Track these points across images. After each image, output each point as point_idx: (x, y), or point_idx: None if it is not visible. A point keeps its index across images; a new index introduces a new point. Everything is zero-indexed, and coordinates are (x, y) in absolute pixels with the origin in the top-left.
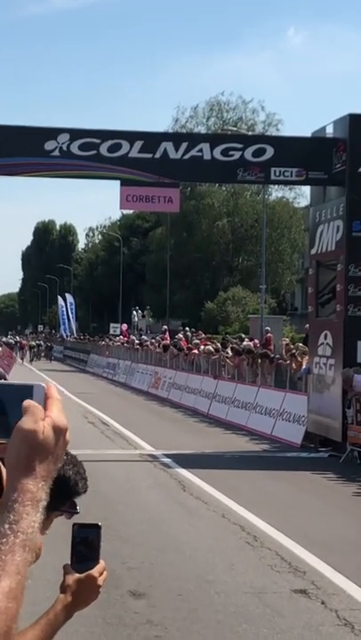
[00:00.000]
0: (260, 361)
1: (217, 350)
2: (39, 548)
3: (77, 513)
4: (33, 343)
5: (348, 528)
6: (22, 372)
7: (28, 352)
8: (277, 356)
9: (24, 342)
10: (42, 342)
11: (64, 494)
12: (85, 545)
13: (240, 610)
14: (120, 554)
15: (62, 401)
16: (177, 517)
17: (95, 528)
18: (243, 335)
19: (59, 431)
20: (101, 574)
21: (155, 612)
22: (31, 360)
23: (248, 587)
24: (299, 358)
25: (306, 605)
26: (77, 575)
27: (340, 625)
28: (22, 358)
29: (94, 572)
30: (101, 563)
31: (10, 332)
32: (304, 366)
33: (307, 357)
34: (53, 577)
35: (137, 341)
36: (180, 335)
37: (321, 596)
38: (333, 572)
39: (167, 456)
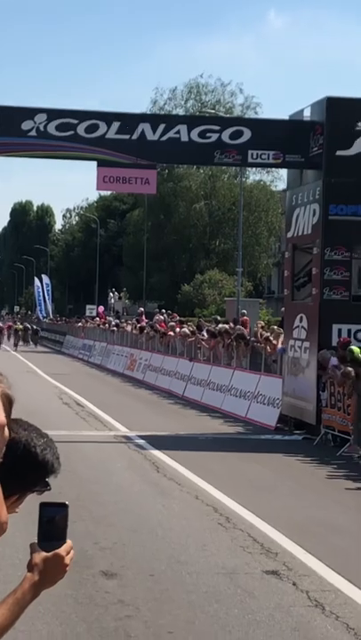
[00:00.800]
0: (235, 343)
1: (193, 333)
2: (5, 522)
3: (49, 489)
4: (20, 326)
5: (321, 510)
6: None
7: (12, 336)
8: (252, 338)
9: (1, 325)
10: (29, 325)
11: (42, 476)
12: (52, 524)
13: (211, 590)
14: (92, 534)
15: (0, 396)
16: (150, 498)
17: (62, 507)
18: (218, 318)
19: None
20: (68, 553)
21: (126, 592)
22: (16, 344)
23: (220, 567)
24: (274, 341)
25: (277, 586)
26: (44, 554)
27: (311, 606)
28: None
29: (61, 550)
30: (68, 542)
31: None
32: (279, 346)
33: (282, 338)
34: (25, 557)
35: (113, 323)
36: (160, 317)
37: (292, 577)
38: (305, 554)
39: (141, 437)
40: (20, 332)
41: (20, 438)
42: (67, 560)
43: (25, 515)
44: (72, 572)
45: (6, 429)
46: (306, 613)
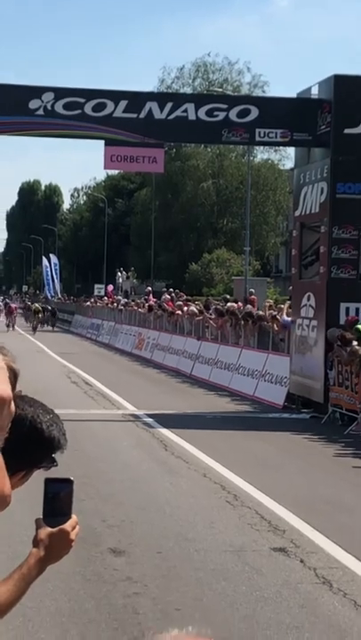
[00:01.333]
0: (242, 322)
1: (201, 312)
2: (8, 495)
3: (56, 465)
4: (38, 307)
5: (329, 488)
6: (8, 337)
7: (28, 318)
8: (260, 312)
9: (13, 306)
10: (48, 307)
11: (48, 452)
12: (57, 499)
13: (219, 567)
14: (100, 512)
15: (5, 369)
16: (158, 476)
17: (67, 483)
18: (227, 296)
19: (1, 402)
20: (74, 528)
21: (134, 570)
22: (34, 328)
23: (227, 545)
24: (280, 318)
25: (285, 563)
26: (50, 529)
27: (319, 583)
28: (10, 325)
29: (67, 526)
30: (74, 517)
31: None
32: (285, 317)
33: (287, 306)
34: (32, 534)
35: (122, 302)
36: (167, 296)
37: (300, 554)
38: (313, 531)
39: (149, 416)
40: (38, 315)
41: (26, 414)
42: (72, 535)
43: (34, 492)
44: (80, 549)
45: (12, 404)
46: (313, 590)
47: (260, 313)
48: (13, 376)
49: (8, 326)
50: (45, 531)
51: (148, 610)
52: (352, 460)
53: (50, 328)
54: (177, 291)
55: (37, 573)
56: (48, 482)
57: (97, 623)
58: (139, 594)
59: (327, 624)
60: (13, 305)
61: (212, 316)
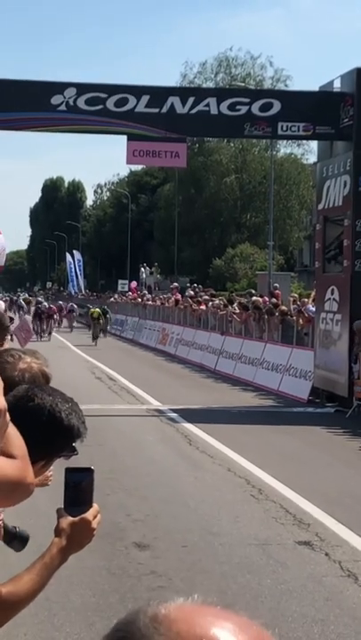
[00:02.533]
0: (266, 317)
1: (225, 306)
2: (31, 483)
3: (77, 454)
4: (98, 310)
5: (353, 481)
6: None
7: (59, 322)
8: (283, 307)
9: (54, 308)
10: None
11: (68, 441)
12: (79, 489)
13: (244, 561)
14: (125, 506)
15: (2, 380)
16: (182, 471)
17: (88, 472)
18: (252, 291)
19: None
20: (95, 517)
21: (159, 564)
22: (95, 337)
23: (252, 538)
24: (305, 313)
25: (310, 557)
26: (71, 518)
27: (344, 576)
28: (44, 332)
29: (88, 515)
30: (95, 506)
31: (19, 290)
32: (309, 306)
33: (313, 295)
34: (55, 524)
35: (147, 297)
36: (191, 292)
37: (325, 547)
38: (337, 525)
39: (174, 411)
40: (99, 321)
41: (45, 404)
42: (94, 524)
43: (59, 483)
44: (105, 543)
45: (7, 415)
46: (338, 583)
47: (283, 308)
48: (46, 380)
49: (40, 333)
50: (67, 520)
51: None
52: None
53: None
54: (200, 287)
55: (60, 562)
56: (69, 471)
57: (122, 617)
58: (163, 587)
59: (352, 617)
60: (54, 307)
61: (236, 311)
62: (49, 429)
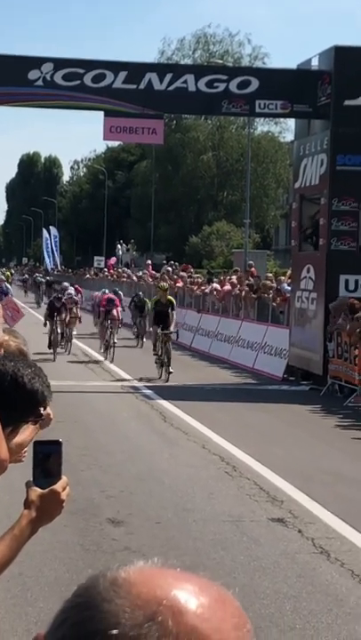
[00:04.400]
0: (243, 294)
1: (209, 282)
2: (5, 459)
3: (43, 419)
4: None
5: (327, 459)
6: None
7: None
8: (266, 281)
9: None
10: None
11: (34, 405)
12: (47, 461)
13: (217, 537)
14: (100, 482)
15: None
16: (157, 447)
17: (56, 445)
18: (238, 269)
19: None
20: (64, 489)
21: (133, 540)
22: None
23: (226, 515)
24: (282, 291)
25: (283, 534)
26: (40, 490)
27: (317, 553)
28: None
29: (57, 486)
30: (64, 478)
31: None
32: (285, 285)
33: (289, 273)
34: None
35: (126, 274)
36: (168, 268)
37: (298, 524)
38: (311, 502)
39: (148, 388)
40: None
41: (7, 369)
42: (63, 496)
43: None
44: (79, 519)
45: (0, 349)
46: (311, 560)
47: (266, 282)
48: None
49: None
50: (36, 492)
51: None
52: (351, 431)
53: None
54: (176, 264)
55: (29, 534)
56: (37, 444)
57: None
58: None
59: (324, 593)
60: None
61: (217, 288)
62: (12, 394)
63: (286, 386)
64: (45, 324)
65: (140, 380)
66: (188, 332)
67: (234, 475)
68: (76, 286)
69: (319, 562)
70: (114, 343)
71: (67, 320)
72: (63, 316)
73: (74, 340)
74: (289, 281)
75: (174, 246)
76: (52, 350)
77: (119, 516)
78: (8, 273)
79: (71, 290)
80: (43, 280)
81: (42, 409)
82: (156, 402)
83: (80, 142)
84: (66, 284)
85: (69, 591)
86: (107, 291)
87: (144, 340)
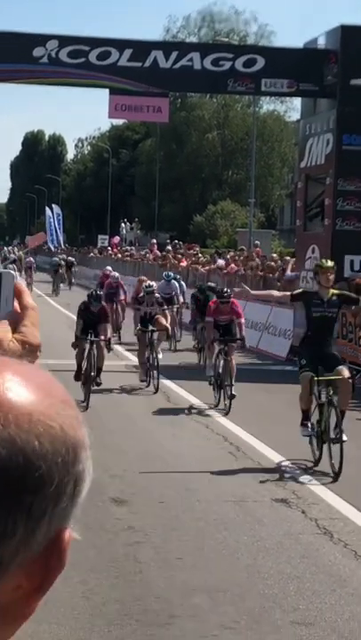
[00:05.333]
0: (249, 272)
1: (207, 262)
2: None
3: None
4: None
5: None
6: None
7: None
8: (271, 263)
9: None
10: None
11: None
12: None
13: (221, 518)
14: (103, 462)
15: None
16: (161, 427)
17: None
18: (243, 247)
19: (29, 348)
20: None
21: (136, 519)
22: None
23: (229, 495)
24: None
25: (286, 514)
26: None
27: (320, 534)
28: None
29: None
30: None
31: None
32: (288, 273)
33: (292, 263)
34: None
35: (127, 253)
36: (169, 247)
37: (301, 505)
38: (315, 482)
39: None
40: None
41: None
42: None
43: None
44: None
45: (38, 351)
46: (314, 541)
47: (271, 263)
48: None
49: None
50: None
51: (150, 559)
52: (355, 412)
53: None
54: (180, 243)
55: None
56: None
57: (98, 571)
58: (140, 543)
59: (328, 574)
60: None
61: (222, 265)
62: None
63: (290, 366)
64: (76, 346)
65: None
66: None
67: (237, 455)
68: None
69: (323, 542)
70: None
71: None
72: (105, 332)
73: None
74: (294, 267)
75: (178, 225)
76: (80, 383)
77: (123, 495)
78: (20, 253)
79: (114, 274)
80: (62, 262)
81: None
82: (160, 381)
83: (84, 120)
84: (108, 268)
85: (72, 569)
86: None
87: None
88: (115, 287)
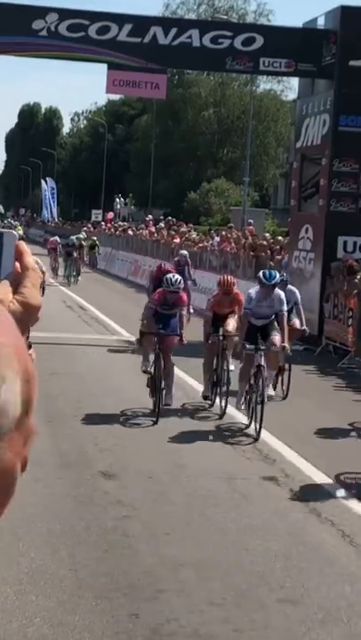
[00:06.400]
0: (242, 252)
1: (200, 240)
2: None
3: None
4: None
5: (321, 420)
6: None
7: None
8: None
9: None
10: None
11: None
12: None
13: (209, 494)
14: (93, 435)
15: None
16: (151, 403)
17: None
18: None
19: (29, 309)
20: None
21: (125, 493)
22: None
23: (219, 472)
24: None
25: (274, 492)
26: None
27: (307, 512)
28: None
29: None
30: None
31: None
32: (285, 260)
33: (284, 253)
34: None
35: (121, 228)
36: (162, 224)
37: (290, 483)
38: (304, 462)
39: None
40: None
41: None
42: None
43: None
44: (72, 471)
45: (40, 312)
46: (302, 519)
47: (263, 242)
48: None
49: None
50: None
51: (138, 533)
52: (345, 392)
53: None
54: (174, 219)
55: None
56: None
57: (87, 544)
58: (129, 517)
59: (315, 553)
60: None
61: (216, 242)
62: None
63: (297, 345)
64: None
65: (135, 334)
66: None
67: (228, 432)
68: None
69: (310, 521)
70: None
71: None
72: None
73: None
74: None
75: (173, 202)
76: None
77: (112, 469)
78: (19, 229)
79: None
80: (82, 241)
81: None
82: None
83: (81, 94)
84: (184, 252)
85: (61, 542)
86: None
87: None
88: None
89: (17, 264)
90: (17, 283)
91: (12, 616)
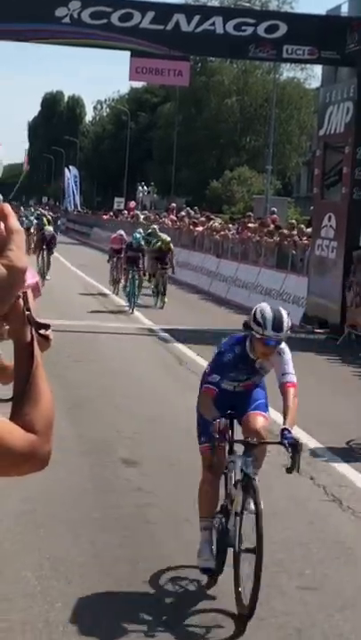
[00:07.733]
0: (265, 239)
1: (222, 228)
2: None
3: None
4: None
5: (342, 407)
6: None
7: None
8: (284, 231)
9: None
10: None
11: None
12: None
13: None
14: (114, 423)
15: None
16: (173, 390)
17: None
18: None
19: (15, 272)
20: None
21: (146, 481)
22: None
23: None
24: (303, 240)
25: (294, 481)
26: None
27: (328, 500)
28: None
29: None
30: None
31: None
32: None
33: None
34: None
35: (142, 217)
36: (183, 213)
37: (310, 471)
38: (324, 449)
39: (165, 331)
40: None
41: None
42: None
43: None
44: (93, 458)
45: (26, 274)
46: (322, 508)
47: (284, 231)
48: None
49: None
50: None
51: (159, 520)
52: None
53: None
54: (195, 209)
55: None
56: None
57: (107, 531)
58: (150, 504)
59: (334, 541)
60: None
61: (235, 231)
62: None
63: (303, 334)
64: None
65: (158, 322)
66: (205, 277)
67: None
68: None
69: (330, 509)
70: None
71: None
72: None
73: None
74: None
75: (195, 190)
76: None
77: (133, 456)
78: (46, 219)
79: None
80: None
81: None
82: (172, 345)
83: (104, 82)
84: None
85: (81, 529)
86: None
87: None
88: None
89: (1, 226)
90: (1, 246)
91: (34, 601)
